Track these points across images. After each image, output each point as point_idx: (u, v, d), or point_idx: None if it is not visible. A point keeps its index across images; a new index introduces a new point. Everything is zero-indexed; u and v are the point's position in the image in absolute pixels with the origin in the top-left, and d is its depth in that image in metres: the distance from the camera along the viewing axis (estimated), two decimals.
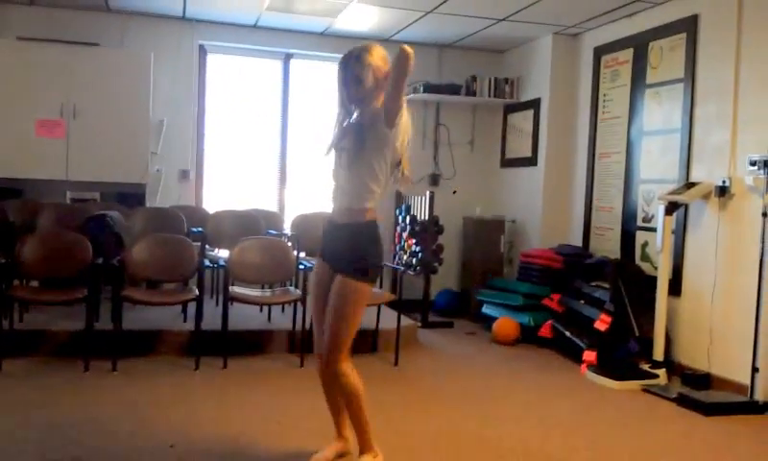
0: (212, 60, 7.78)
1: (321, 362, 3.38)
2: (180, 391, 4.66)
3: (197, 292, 5.27)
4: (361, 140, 3.18)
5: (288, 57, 7.94)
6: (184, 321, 5.79)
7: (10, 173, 6.67)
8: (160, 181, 7.41)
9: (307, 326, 5.44)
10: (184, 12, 7.17)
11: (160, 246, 5.42)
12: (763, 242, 4.85)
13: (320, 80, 8.07)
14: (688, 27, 5.73)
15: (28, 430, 3.80)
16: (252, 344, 5.63)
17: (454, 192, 8.08)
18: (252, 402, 4.49)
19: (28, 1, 6.92)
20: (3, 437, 3.68)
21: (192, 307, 5.41)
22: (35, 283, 5.58)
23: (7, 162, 6.65)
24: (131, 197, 6.98)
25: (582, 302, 6.11)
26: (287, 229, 7.00)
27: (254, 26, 7.57)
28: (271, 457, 3.58)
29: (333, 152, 3.33)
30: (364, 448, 3.38)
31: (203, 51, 7.68)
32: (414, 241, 7.29)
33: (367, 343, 5.76)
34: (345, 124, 3.30)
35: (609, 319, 5.67)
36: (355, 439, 3.42)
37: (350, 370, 3.29)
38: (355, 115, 3.28)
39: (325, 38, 7.82)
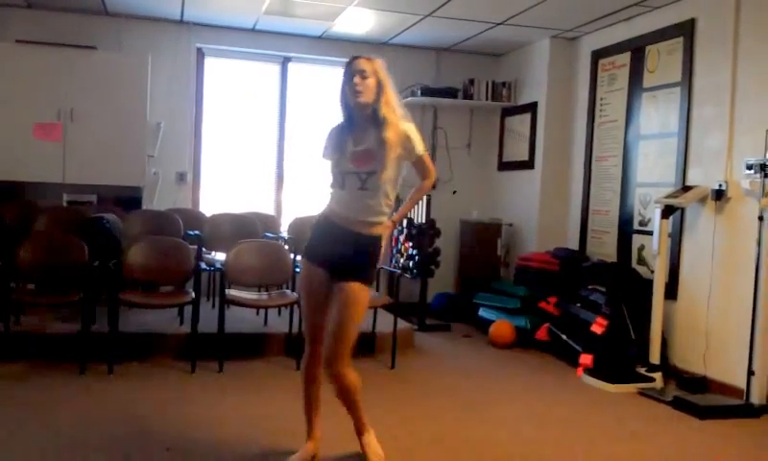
0: (210, 63, 7.78)
1: (315, 363, 3.45)
2: (176, 394, 4.66)
3: (193, 295, 5.28)
4: (382, 166, 3.28)
5: (286, 60, 7.95)
6: (181, 324, 5.79)
7: (6, 176, 6.67)
8: (157, 184, 7.41)
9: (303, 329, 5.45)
10: (182, 15, 7.17)
11: (157, 249, 5.42)
12: (759, 245, 4.86)
13: (318, 83, 8.08)
14: (685, 31, 5.74)
15: (23, 433, 3.79)
16: (248, 347, 5.63)
17: (454, 192, 8.07)
18: (248, 405, 4.48)
19: (26, 4, 6.93)
20: None
21: (188, 310, 5.42)
22: (31, 286, 5.57)
23: (4, 165, 6.65)
24: (127, 200, 6.98)
25: (578, 305, 6.11)
26: (284, 232, 7.00)
27: (252, 29, 7.58)
28: (267, 460, 3.57)
29: (339, 158, 3.35)
30: (362, 429, 3.56)
31: (200, 54, 7.68)
32: (410, 244, 7.29)
33: (364, 346, 5.74)
34: (352, 133, 3.33)
35: (605, 322, 5.67)
36: (352, 426, 3.56)
37: (351, 368, 3.39)
38: (361, 125, 3.33)
39: (323, 42, 7.83)
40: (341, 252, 3.34)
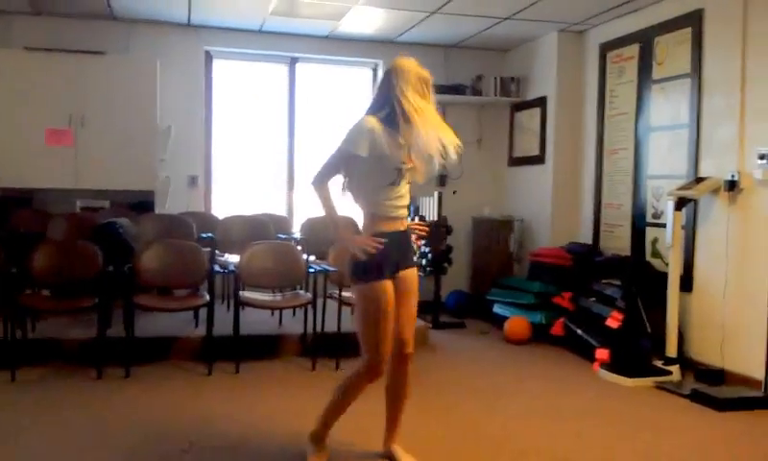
0: (218, 65, 7.80)
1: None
2: (193, 396, 4.68)
3: (208, 297, 5.30)
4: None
5: (294, 61, 7.95)
6: (196, 326, 5.81)
7: (19, 183, 6.71)
8: (169, 188, 7.43)
9: (318, 329, 5.47)
10: (189, 18, 7.19)
11: (170, 252, 5.43)
12: None
13: (325, 83, 8.08)
14: (693, 21, 5.71)
15: (41, 438, 3.82)
16: (263, 348, 5.65)
17: (454, 192, 8.05)
18: (265, 406, 4.50)
19: (34, 12, 6.96)
20: (15, 443, 3.70)
21: (203, 313, 5.43)
22: (46, 292, 5.60)
23: (16, 172, 6.69)
24: (140, 204, 7.00)
25: (593, 299, 6.10)
26: (296, 232, 7.00)
27: (259, 31, 7.59)
28: (284, 459, 3.59)
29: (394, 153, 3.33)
30: (396, 434, 3.67)
31: (208, 57, 7.70)
32: (423, 242, 7.29)
33: None
34: (398, 130, 3.33)
35: (620, 316, 5.65)
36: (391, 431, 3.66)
37: None
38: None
39: (330, 42, 7.83)
40: (402, 249, 3.48)
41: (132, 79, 6.99)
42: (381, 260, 3.32)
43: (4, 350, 4.89)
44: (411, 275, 3.52)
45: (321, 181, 3.40)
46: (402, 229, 3.47)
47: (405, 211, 3.49)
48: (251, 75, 7.95)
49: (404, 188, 3.43)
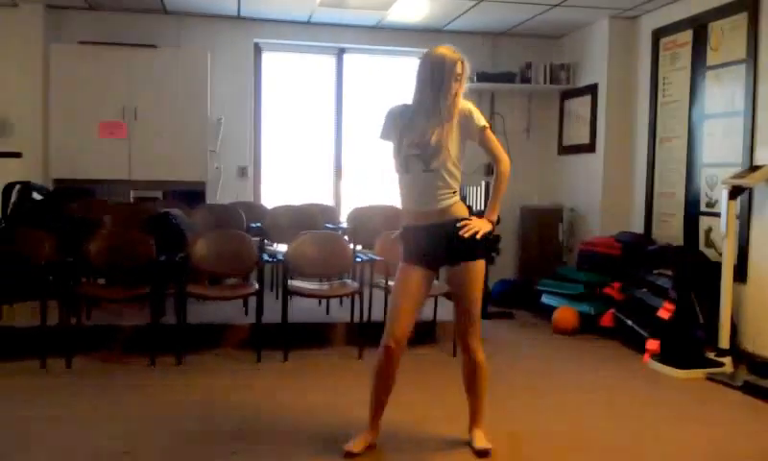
0: (267, 57, 7.88)
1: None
2: (242, 383, 4.75)
3: (257, 286, 5.37)
4: (446, 144, 3.38)
5: (341, 51, 7.99)
6: (246, 315, 5.89)
7: (75, 174, 6.91)
8: (219, 179, 7.55)
9: (365, 318, 5.50)
10: (239, 10, 7.27)
11: (221, 242, 5.53)
12: None
13: (373, 73, 8.10)
14: (749, 6, 5.56)
15: (95, 423, 3.93)
16: (311, 336, 5.70)
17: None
18: (313, 393, 4.54)
19: (87, 6, 7.12)
20: (73, 428, 3.82)
21: (253, 301, 5.51)
22: (101, 281, 5.75)
23: (72, 164, 6.89)
24: (191, 194, 7.12)
25: (644, 290, 6.00)
26: (344, 222, 7.04)
27: (308, 22, 7.64)
28: (332, 448, 3.61)
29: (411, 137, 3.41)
30: (479, 420, 3.70)
31: (257, 49, 7.78)
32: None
33: (425, 335, 5.76)
34: (423, 117, 3.39)
35: (672, 307, 5.55)
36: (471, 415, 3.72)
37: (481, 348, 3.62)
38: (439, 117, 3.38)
39: (378, 31, 7.84)
40: (435, 248, 3.46)
41: (183, 72, 7.12)
42: (411, 247, 3.47)
43: (60, 337, 5.02)
44: (460, 271, 3.48)
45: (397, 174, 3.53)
46: (437, 221, 3.43)
47: (430, 199, 3.42)
48: (299, 66, 8.01)
49: (424, 175, 3.39)
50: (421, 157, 3.37)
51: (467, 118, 3.43)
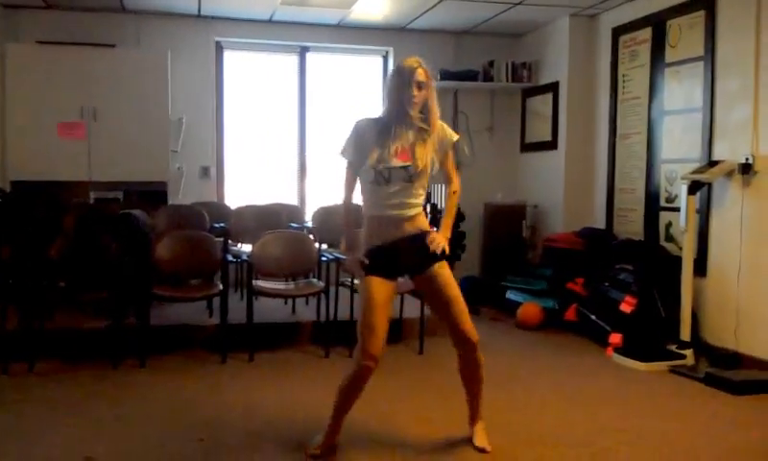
0: (229, 56, 7.81)
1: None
2: (208, 384, 4.71)
3: (221, 287, 5.32)
4: (424, 161, 3.43)
5: (304, 50, 7.95)
6: (210, 316, 5.84)
7: (34, 176, 6.76)
8: (182, 179, 7.47)
9: (331, 317, 5.48)
10: (199, 9, 7.20)
11: (184, 243, 5.48)
12: None
13: (336, 71, 8.09)
14: (706, 4, 5.66)
15: (57, 428, 3.86)
16: (277, 336, 5.67)
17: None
18: (280, 393, 4.52)
19: (45, 5, 6.99)
20: (35, 441, 3.74)
21: (217, 302, 5.47)
22: (62, 284, 5.63)
23: (31, 165, 6.75)
24: (153, 195, 7.03)
25: (606, 284, 6.08)
26: (308, 221, 7.02)
27: (270, 21, 7.59)
28: (298, 448, 3.60)
29: (381, 153, 3.40)
30: (477, 417, 3.76)
31: (219, 48, 7.71)
32: (435, 229, 7.25)
33: (391, 332, 5.73)
34: (395, 128, 3.40)
35: (634, 301, 5.64)
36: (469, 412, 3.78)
37: None
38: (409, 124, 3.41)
39: (341, 30, 7.82)
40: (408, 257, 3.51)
41: (143, 71, 7.02)
42: (380, 262, 3.47)
43: (20, 341, 4.93)
44: (438, 271, 3.56)
45: (343, 193, 3.56)
46: (408, 232, 3.49)
47: (403, 211, 3.46)
48: (261, 65, 7.96)
49: (399, 187, 3.41)
50: (406, 169, 3.38)
51: (443, 130, 3.51)
